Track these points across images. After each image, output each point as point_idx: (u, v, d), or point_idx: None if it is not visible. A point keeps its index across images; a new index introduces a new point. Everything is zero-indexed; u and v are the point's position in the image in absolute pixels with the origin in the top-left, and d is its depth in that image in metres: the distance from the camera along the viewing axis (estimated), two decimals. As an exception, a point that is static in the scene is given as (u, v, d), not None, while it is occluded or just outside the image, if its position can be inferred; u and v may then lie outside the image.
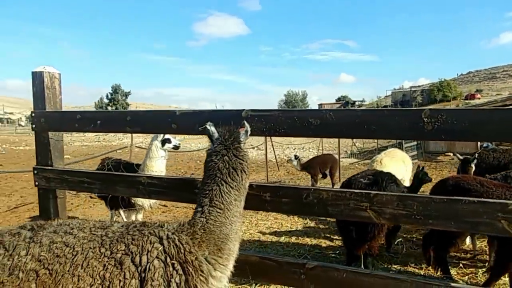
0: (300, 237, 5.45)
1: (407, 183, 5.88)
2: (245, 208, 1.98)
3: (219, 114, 2.15)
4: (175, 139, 5.25)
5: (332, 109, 1.89)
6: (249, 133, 1.93)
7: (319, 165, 7.99)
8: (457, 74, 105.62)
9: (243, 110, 2.08)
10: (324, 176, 8.68)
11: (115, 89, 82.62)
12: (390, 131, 1.79)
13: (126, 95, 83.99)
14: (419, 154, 18.68)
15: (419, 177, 4.49)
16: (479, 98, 57.00)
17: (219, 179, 1.75)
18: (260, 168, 14.39)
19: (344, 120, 1.85)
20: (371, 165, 5.74)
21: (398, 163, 5.73)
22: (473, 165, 5.42)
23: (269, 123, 2.01)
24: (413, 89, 76.28)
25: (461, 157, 5.53)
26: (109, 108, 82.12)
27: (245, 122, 1.94)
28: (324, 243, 5.12)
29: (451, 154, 18.71)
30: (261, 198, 2.06)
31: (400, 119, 1.76)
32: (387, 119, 1.77)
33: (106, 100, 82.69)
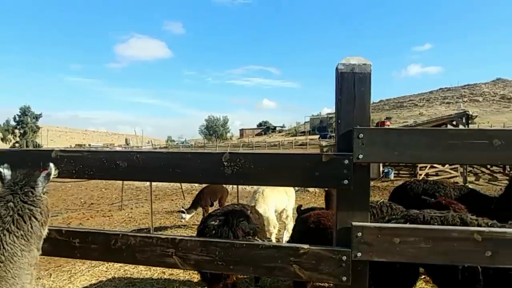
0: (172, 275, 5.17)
1: (290, 213, 6.07)
2: (56, 255, 1.81)
3: (27, 155, 1.96)
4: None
5: (141, 151, 1.81)
6: (52, 175, 1.77)
7: (209, 196, 7.96)
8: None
9: (53, 150, 1.92)
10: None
11: (24, 111, 75.51)
12: (193, 175, 1.75)
13: (37, 117, 77.17)
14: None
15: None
16: (388, 125, 62.94)
17: (1, 228, 1.57)
18: (167, 196, 13.99)
19: (150, 162, 1.78)
20: (254, 196, 5.78)
21: (280, 194, 5.88)
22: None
23: (79, 164, 1.87)
24: (330, 115, 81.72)
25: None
26: (16, 132, 74.65)
27: (50, 164, 1.79)
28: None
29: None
30: (70, 244, 1.90)
31: (203, 162, 1.73)
32: (190, 162, 1.73)
33: (13, 123, 75.00)
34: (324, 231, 3.26)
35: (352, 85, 1.63)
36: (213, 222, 2.83)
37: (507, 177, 17.64)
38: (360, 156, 1.58)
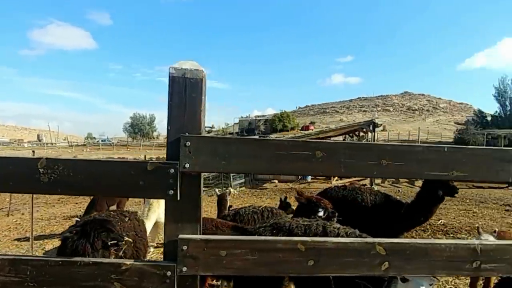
0: None
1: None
2: None
3: None
4: None
5: None
6: None
7: (105, 199, 7.48)
8: (297, 107, 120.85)
9: None
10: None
11: None
12: (7, 183, 1.53)
13: None
14: (247, 181, 20.01)
15: (283, 208, 4.56)
16: (312, 129, 65.64)
17: None
18: (72, 199, 12.86)
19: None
20: (147, 203, 5.50)
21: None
22: (228, 199, 5.38)
23: None
24: (258, 118, 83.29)
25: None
26: None
27: None
28: None
29: (276, 181, 20.72)
30: None
31: (15, 168, 1.52)
32: (2, 169, 1.51)
33: None
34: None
35: (183, 90, 1.55)
36: (68, 234, 2.55)
37: (407, 179, 19.48)
38: (187, 165, 1.49)
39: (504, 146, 44.18)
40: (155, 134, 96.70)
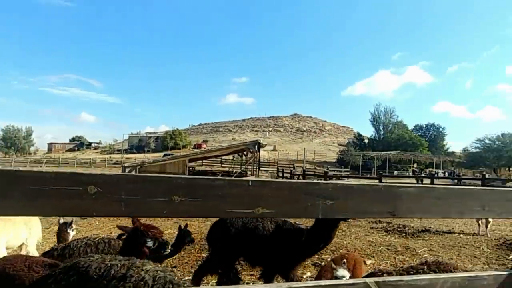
0: None
1: (33, 248, 4.96)
2: None
3: None
4: None
5: None
6: None
7: None
8: (190, 124, 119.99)
9: None
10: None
11: None
12: None
13: None
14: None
15: (182, 236, 4.41)
16: (204, 147, 65.66)
17: None
18: None
19: None
20: None
21: (16, 226, 4.76)
22: (70, 231, 4.83)
23: None
24: (149, 135, 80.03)
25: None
26: None
27: None
28: None
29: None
30: None
31: None
32: None
33: None
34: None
35: None
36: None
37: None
38: None
39: (377, 166, 50.49)
40: (32, 149, 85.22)
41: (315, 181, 1.59)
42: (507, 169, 49.18)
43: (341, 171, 43.03)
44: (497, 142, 54.96)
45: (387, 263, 6.37)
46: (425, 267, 3.04)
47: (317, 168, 47.20)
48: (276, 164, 48.11)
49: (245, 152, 24.02)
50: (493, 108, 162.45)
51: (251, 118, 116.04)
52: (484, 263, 6.47)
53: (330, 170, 42.83)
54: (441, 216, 1.73)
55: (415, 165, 49.62)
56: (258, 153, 14.60)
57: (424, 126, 72.11)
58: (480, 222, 8.86)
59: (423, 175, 37.80)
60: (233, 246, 4.28)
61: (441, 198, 1.61)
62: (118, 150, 72.22)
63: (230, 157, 46.77)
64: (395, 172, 46.75)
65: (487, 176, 22.80)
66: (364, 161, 53.11)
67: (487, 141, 56.06)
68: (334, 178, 24.06)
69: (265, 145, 16.46)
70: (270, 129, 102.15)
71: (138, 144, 74.30)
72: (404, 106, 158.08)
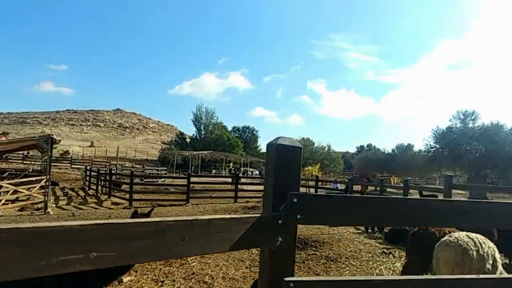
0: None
1: None
2: None
3: None
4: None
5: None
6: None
7: None
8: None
9: None
10: None
11: None
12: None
13: None
14: None
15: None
16: (4, 140, 54.09)
17: None
18: None
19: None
20: None
21: None
22: None
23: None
24: None
25: None
26: None
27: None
28: None
29: None
30: None
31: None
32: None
33: None
34: None
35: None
36: None
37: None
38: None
39: (197, 165, 51.97)
40: None
41: None
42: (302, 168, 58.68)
43: (158, 170, 42.59)
44: (296, 145, 64.76)
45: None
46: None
47: (135, 166, 45.38)
48: (90, 161, 43.86)
49: (40, 149, 20.79)
50: (298, 117, 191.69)
51: (67, 110, 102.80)
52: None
53: (147, 169, 41.90)
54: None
55: (231, 164, 53.68)
56: (50, 150, 12.69)
57: (241, 128, 78.94)
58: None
59: (240, 174, 41.58)
60: None
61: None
62: None
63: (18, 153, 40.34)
64: (213, 171, 49.47)
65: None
66: (185, 159, 54.14)
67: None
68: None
69: (59, 141, 14.57)
70: (89, 123, 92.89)
71: None
72: (226, 109, 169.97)
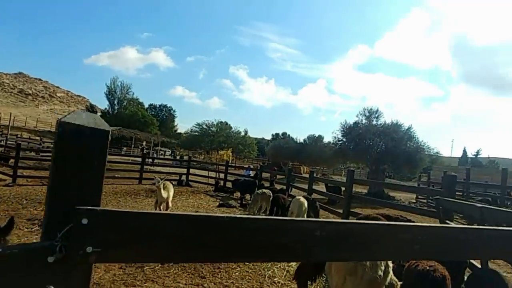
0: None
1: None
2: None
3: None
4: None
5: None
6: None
7: None
8: None
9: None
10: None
11: None
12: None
13: None
14: None
15: None
16: None
17: None
18: None
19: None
20: None
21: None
22: None
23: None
24: None
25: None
26: None
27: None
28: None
29: None
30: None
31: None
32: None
33: None
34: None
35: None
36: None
37: None
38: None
39: (109, 142, 47.79)
40: None
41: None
42: (216, 152, 57.97)
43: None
44: (211, 128, 64.21)
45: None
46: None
47: (33, 138, 40.29)
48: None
49: None
50: (218, 100, 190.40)
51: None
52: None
53: (47, 142, 37.45)
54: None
55: (144, 142, 50.88)
56: None
57: (158, 106, 75.43)
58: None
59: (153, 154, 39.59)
60: None
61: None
62: None
63: None
64: (124, 149, 46.36)
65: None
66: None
67: (204, 126, 64.53)
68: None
69: None
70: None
71: None
72: (146, 86, 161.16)
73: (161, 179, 8.30)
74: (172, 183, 17.39)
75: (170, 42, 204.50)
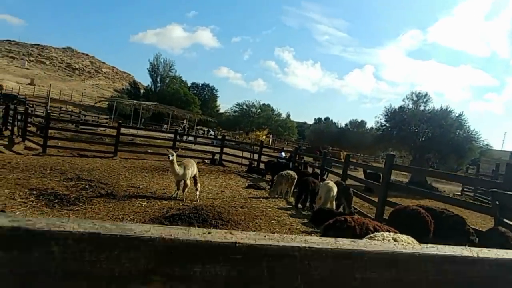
0: None
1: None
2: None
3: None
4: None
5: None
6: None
7: None
8: None
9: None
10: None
11: None
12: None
13: None
14: None
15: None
16: None
17: None
18: None
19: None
20: None
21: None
22: None
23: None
24: None
25: None
26: None
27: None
28: None
29: None
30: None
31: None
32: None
33: None
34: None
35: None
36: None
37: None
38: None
39: (147, 118, 49.24)
40: None
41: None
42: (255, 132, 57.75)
43: (98, 117, 39.65)
44: (252, 109, 63.95)
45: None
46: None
47: (75, 112, 41.97)
48: (25, 100, 39.96)
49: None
50: (262, 82, 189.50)
51: (7, 40, 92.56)
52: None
53: (87, 115, 38.91)
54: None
55: (185, 121, 51.51)
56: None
57: (200, 85, 75.97)
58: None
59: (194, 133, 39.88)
60: None
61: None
62: None
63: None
64: (165, 126, 47.21)
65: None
66: (137, 111, 51.21)
67: (244, 106, 64.36)
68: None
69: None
70: (32, 58, 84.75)
71: None
72: (191, 65, 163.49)
73: (175, 152, 7.93)
74: (205, 161, 17.43)
75: (217, 21, 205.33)
